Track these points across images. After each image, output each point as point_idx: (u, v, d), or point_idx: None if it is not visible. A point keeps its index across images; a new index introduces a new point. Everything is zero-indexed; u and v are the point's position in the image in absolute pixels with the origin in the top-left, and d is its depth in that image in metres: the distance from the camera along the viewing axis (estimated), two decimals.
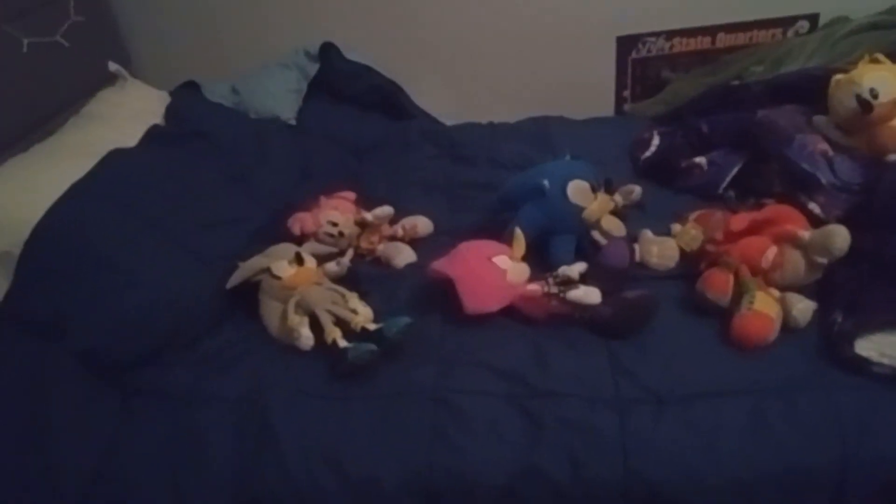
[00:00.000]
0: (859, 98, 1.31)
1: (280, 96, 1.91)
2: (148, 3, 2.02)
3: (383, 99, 1.96)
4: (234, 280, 1.30)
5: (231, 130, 1.70)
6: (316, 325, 1.21)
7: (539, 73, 2.05)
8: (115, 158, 1.45)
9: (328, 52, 1.97)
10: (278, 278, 1.27)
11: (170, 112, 1.72)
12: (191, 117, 1.71)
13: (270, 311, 1.28)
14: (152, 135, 1.61)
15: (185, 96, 1.82)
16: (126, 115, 1.67)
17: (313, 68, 1.96)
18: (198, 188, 1.49)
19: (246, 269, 1.31)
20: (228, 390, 1.15)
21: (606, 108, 2.09)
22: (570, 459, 1.02)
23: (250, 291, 1.31)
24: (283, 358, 1.21)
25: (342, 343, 1.17)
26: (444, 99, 2.06)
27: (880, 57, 1.36)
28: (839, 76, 1.39)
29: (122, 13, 2.01)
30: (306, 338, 1.20)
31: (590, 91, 2.05)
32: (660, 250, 1.33)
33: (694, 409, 1.04)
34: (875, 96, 1.30)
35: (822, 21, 1.90)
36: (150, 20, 2.03)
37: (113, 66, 1.77)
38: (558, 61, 2.03)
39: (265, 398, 1.13)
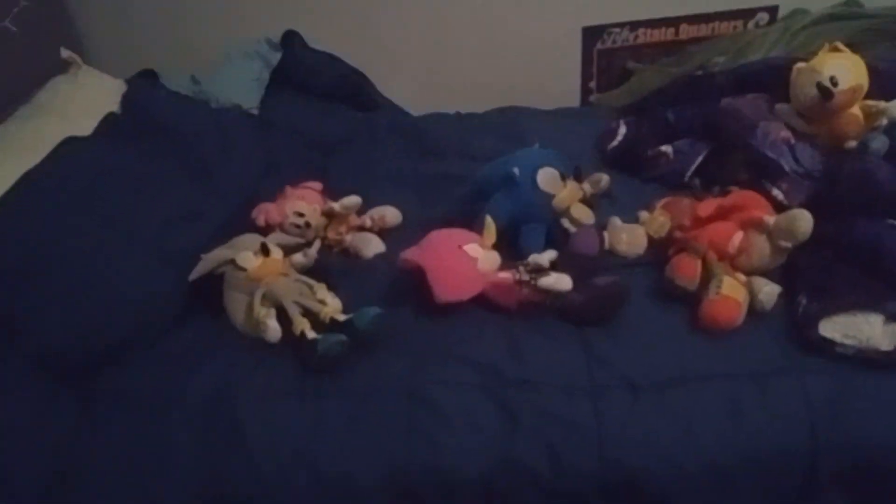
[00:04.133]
0: (820, 85, 1.33)
1: (242, 85, 1.84)
2: None
3: (349, 89, 1.92)
4: (197, 272, 1.25)
5: (192, 122, 1.62)
6: (283, 319, 1.18)
7: (505, 63, 2.05)
8: (69, 148, 1.38)
9: (291, 41, 1.92)
10: (243, 270, 1.23)
11: (126, 102, 1.64)
12: (149, 108, 1.63)
13: (235, 303, 1.24)
14: (109, 123, 1.54)
15: (142, 85, 1.75)
16: (79, 105, 1.59)
17: (275, 57, 1.90)
18: (157, 182, 1.43)
19: (209, 260, 1.26)
20: (194, 390, 1.11)
21: (573, 99, 2.10)
22: (547, 450, 1.01)
23: (215, 286, 1.27)
24: (251, 354, 1.17)
25: (311, 334, 1.13)
26: (410, 88, 2.03)
27: (840, 45, 1.38)
28: (801, 64, 1.40)
29: None
30: (273, 330, 1.16)
31: (556, 81, 2.05)
32: (628, 237, 1.34)
33: (668, 395, 1.04)
34: (835, 84, 1.32)
35: (781, 13, 1.94)
36: (107, 5, 1.95)
37: (65, 53, 1.69)
38: (524, 51, 2.02)
39: (233, 397, 1.09)
